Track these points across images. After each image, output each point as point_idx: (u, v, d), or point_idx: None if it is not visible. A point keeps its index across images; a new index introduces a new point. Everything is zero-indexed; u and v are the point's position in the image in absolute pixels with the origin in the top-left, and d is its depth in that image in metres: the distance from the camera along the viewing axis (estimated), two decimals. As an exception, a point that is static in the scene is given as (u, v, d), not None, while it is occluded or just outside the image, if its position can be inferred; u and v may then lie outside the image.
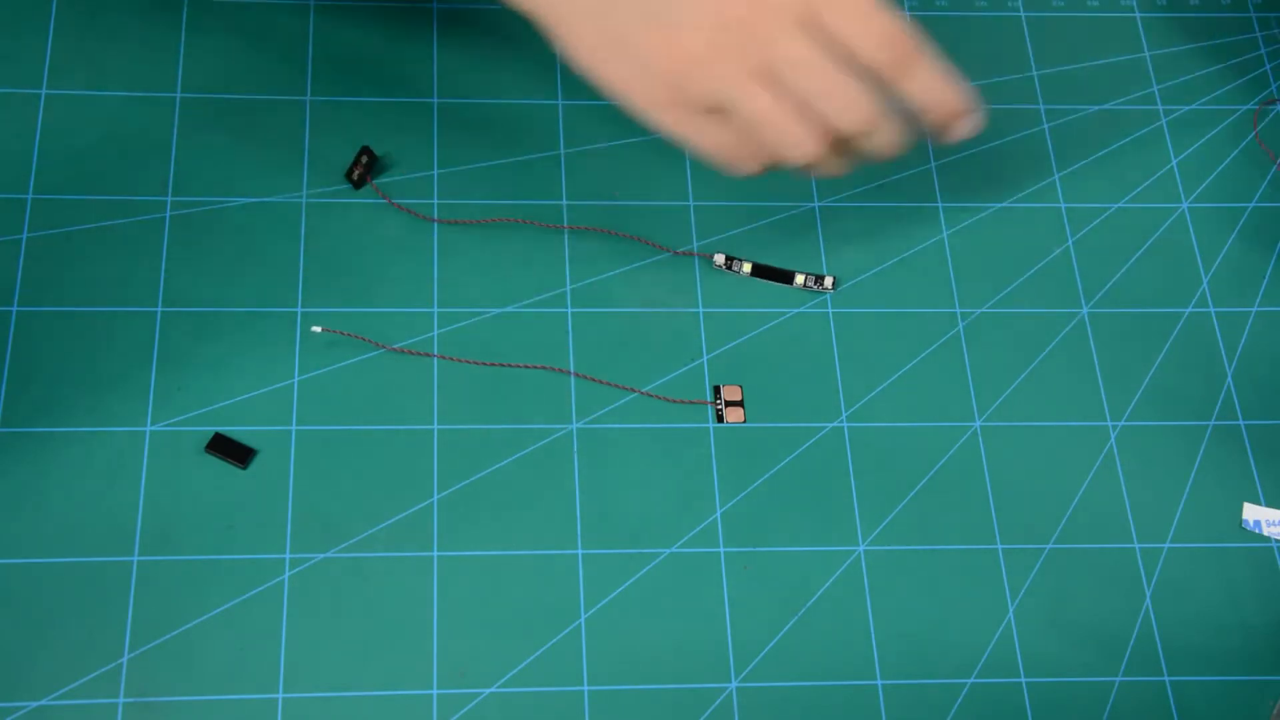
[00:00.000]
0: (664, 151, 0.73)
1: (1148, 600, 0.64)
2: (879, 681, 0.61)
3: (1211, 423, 0.69)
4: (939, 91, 0.61)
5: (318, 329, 0.64)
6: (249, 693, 0.58)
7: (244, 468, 0.63)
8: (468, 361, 0.66)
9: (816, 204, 0.73)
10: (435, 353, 0.66)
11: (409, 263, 0.69)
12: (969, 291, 0.71)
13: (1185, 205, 0.75)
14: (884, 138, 0.62)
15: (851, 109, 0.59)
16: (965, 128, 0.63)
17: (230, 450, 0.63)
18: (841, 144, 0.62)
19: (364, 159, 0.70)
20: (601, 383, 0.66)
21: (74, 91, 0.67)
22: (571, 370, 0.66)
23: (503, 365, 0.66)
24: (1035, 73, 0.78)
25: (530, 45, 0.76)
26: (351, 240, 0.68)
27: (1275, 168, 0.74)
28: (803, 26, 0.58)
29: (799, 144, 0.60)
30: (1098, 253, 0.73)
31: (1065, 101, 0.77)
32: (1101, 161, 0.75)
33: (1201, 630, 0.64)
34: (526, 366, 0.66)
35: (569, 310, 0.68)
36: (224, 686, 0.58)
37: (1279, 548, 0.66)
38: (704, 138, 0.61)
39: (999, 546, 0.64)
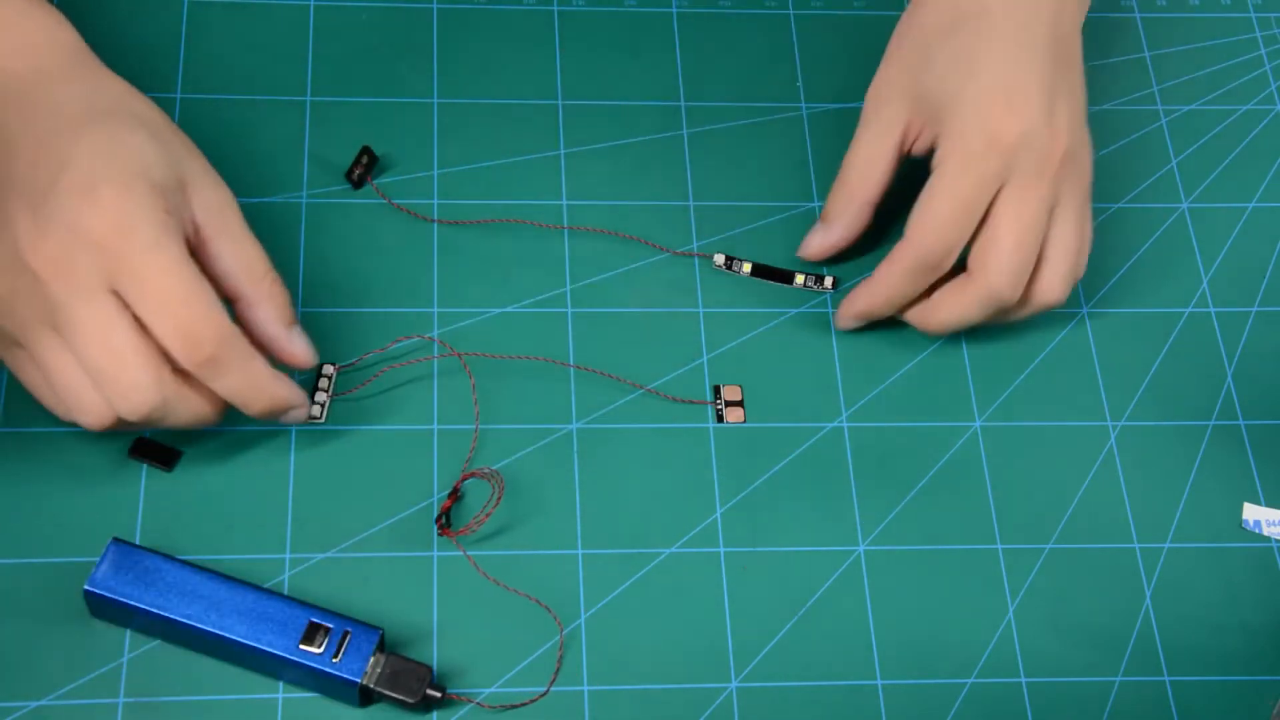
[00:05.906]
0: (664, 151, 0.73)
1: (1147, 600, 0.64)
2: (879, 681, 0.61)
3: (1211, 423, 0.69)
4: (253, 391, 0.57)
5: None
6: (249, 693, 0.58)
7: (169, 470, 0.62)
8: (470, 354, 0.66)
9: (816, 204, 0.73)
10: (435, 353, 0.66)
11: (409, 263, 0.69)
12: (969, 291, 0.71)
13: (1185, 205, 0.75)
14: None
15: (125, 396, 0.54)
16: (295, 419, 0.60)
17: (155, 454, 0.62)
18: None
19: (364, 159, 0.70)
20: (600, 374, 0.66)
21: (74, 91, 0.67)
22: (571, 364, 0.66)
23: (503, 357, 0.66)
24: (1035, 73, 0.78)
25: (530, 45, 0.76)
26: (351, 240, 0.68)
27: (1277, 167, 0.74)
28: (110, 295, 0.54)
29: (86, 409, 0.55)
30: (1098, 253, 0.72)
31: (1065, 101, 0.77)
32: (1103, 161, 0.75)
33: (1201, 630, 0.64)
34: (525, 358, 0.66)
35: (569, 310, 0.68)
36: (224, 686, 0.58)
37: (1279, 548, 0.66)
38: (18, 372, 0.58)
39: (999, 546, 0.64)
